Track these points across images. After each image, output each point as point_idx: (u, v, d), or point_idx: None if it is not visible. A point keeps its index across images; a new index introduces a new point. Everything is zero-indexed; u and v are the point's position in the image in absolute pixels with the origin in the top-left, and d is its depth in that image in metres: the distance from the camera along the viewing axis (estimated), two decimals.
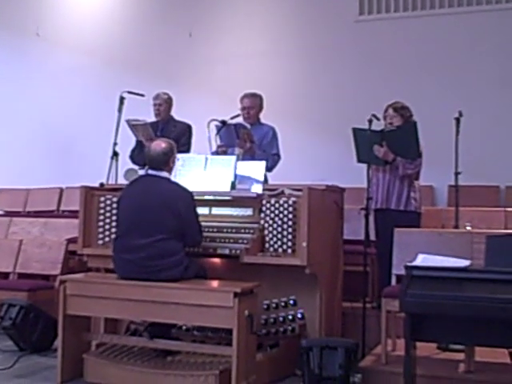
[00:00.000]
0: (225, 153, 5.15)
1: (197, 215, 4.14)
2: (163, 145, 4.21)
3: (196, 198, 4.26)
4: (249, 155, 5.10)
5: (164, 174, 4.16)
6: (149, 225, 3.97)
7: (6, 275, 5.86)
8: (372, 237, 4.92)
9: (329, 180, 4.66)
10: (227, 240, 4.29)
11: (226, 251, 4.23)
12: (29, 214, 7.83)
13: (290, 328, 4.30)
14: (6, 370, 4.40)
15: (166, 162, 4.17)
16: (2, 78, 9.20)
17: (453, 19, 7.23)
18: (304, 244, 4.04)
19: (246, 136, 5.15)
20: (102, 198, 4.58)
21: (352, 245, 5.13)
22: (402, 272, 3.49)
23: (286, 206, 4.14)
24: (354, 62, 7.50)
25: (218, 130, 5.26)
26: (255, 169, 4.49)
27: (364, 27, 7.60)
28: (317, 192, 4.26)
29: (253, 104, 5.44)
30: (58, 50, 8.89)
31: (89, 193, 4.61)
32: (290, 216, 4.12)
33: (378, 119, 4.88)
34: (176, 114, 5.93)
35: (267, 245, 4.18)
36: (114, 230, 4.40)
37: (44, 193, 8.20)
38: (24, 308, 4.91)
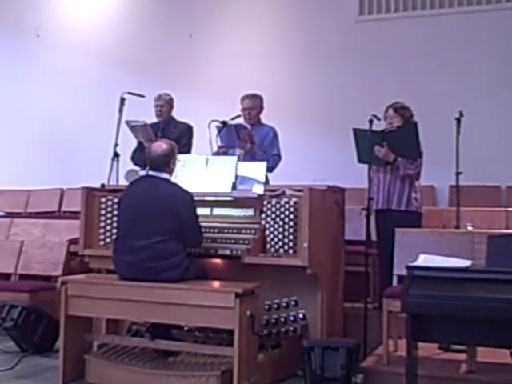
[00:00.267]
0: (225, 154, 5.15)
1: (197, 216, 4.15)
2: (164, 146, 4.21)
3: (197, 198, 4.26)
4: (249, 156, 5.10)
5: (164, 175, 4.16)
6: (149, 226, 3.97)
7: (7, 276, 5.86)
8: (373, 237, 4.92)
9: (329, 180, 4.66)
10: (228, 241, 4.29)
11: (227, 252, 4.23)
12: (30, 215, 7.84)
13: (291, 328, 4.30)
14: (8, 371, 4.41)
15: (166, 163, 4.17)
16: (2, 79, 9.20)
17: (453, 19, 7.23)
18: (305, 244, 4.04)
19: (247, 137, 5.16)
20: (103, 199, 4.58)
21: (353, 245, 5.14)
22: (404, 272, 3.49)
23: (287, 206, 4.14)
24: (354, 62, 7.50)
25: (219, 130, 5.27)
26: (256, 169, 4.50)
27: (364, 27, 7.61)
28: (318, 192, 4.26)
29: (253, 105, 5.44)
30: (58, 51, 8.89)
31: (90, 194, 4.61)
32: (291, 216, 4.12)
33: (378, 119, 4.88)
34: (176, 114, 5.93)
35: (268, 245, 4.18)
36: (115, 230, 4.39)
37: (45, 194, 8.21)
38: (25, 309, 4.91)
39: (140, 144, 5.66)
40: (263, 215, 4.24)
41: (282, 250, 4.13)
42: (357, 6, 7.68)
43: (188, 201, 4.09)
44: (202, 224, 4.28)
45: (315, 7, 7.77)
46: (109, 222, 4.54)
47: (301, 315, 4.30)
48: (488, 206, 6.04)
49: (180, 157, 4.63)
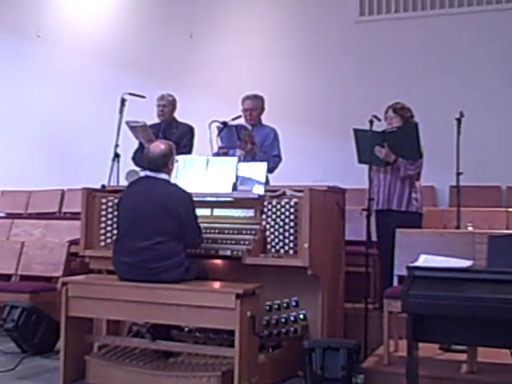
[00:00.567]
0: (226, 154, 5.15)
1: (196, 217, 4.14)
2: (162, 146, 4.21)
3: (197, 199, 4.27)
4: (250, 157, 5.10)
5: (163, 175, 4.15)
6: (149, 227, 3.96)
7: (8, 277, 5.86)
8: (374, 238, 4.92)
9: (330, 181, 4.66)
10: (229, 241, 4.29)
11: (228, 252, 4.23)
12: (30, 216, 7.84)
13: (292, 329, 4.30)
14: (9, 372, 4.41)
15: (165, 163, 4.16)
16: (2, 80, 9.21)
17: (453, 19, 7.24)
18: (306, 245, 4.04)
19: (247, 137, 5.16)
20: (104, 200, 4.58)
21: (354, 246, 5.14)
22: (404, 273, 3.49)
23: (287, 207, 4.14)
24: (354, 62, 7.51)
25: (219, 131, 5.26)
26: (256, 170, 4.50)
27: (364, 28, 7.61)
28: (318, 193, 4.26)
29: (255, 106, 5.44)
30: (58, 51, 8.90)
31: (90, 194, 4.61)
32: (292, 217, 4.11)
33: (379, 120, 4.88)
34: (177, 115, 5.93)
35: (269, 246, 4.18)
36: (115, 231, 4.39)
37: (46, 195, 8.22)
38: (26, 310, 4.91)
39: (141, 144, 5.66)
40: (264, 216, 4.24)
41: (282, 251, 4.13)
42: (357, 7, 7.68)
43: (187, 201, 4.09)
44: (203, 225, 4.28)
45: (315, 8, 7.77)
46: (109, 222, 4.54)
47: (301, 316, 4.30)
48: (488, 206, 6.05)
49: (180, 157, 4.64)
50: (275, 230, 4.17)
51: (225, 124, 5.24)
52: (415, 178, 5.00)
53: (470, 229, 4.61)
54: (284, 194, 4.22)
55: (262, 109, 5.51)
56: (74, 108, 8.65)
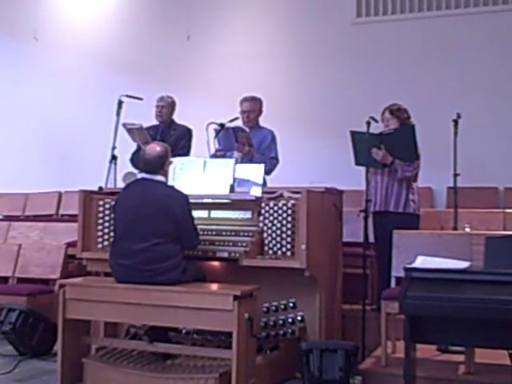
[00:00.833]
0: (223, 157, 5.15)
1: (193, 218, 4.14)
2: (158, 148, 4.20)
3: (195, 201, 4.27)
4: (247, 159, 5.10)
5: (159, 177, 4.15)
6: (145, 229, 3.96)
7: (5, 280, 5.86)
8: (371, 239, 4.92)
9: (327, 182, 4.66)
10: (226, 243, 4.29)
11: (225, 254, 4.23)
12: (28, 219, 7.83)
13: (289, 331, 4.30)
14: (6, 375, 4.40)
15: (161, 165, 4.16)
16: (0, 83, 9.19)
17: (450, 21, 7.25)
18: (303, 247, 4.04)
19: (245, 139, 5.16)
20: (101, 202, 4.58)
21: (351, 247, 5.13)
22: (402, 274, 3.50)
23: (284, 208, 4.14)
24: (352, 63, 7.52)
25: (217, 133, 5.26)
26: (254, 172, 4.50)
27: (362, 29, 7.62)
28: (316, 195, 4.26)
29: (252, 108, 5.44)
30: (55, 53, 8.90)
31: (88, 197, 4.61)
32: (289, 219, 4.12)
33: (376, 121, 4.88)
34: (175, 116, 5.93)
35: (266, 248, 4.18)
36: (112, 233, 4.39)
37: (43, 197, 8.21)
38: (23, 312, 4.91)
39: (139, 146, 5.66)
40: (261, 217, 4.24)
41: (280, 252, 4.13)
42: (354, 8, 7.69)
43: (184, 203, 4.09)
44: (200, 226, 4.28)
45: (313, 9, 7.78)
46: (107, 224, 4.54)
47: (299, 317, 4.30)
48: (486, 207, 6.05)
49: (178, 159, 4.64)
50: (272, 231, 4.17)
51: (222, 126, 5.23)
52: (412, 179, 5.00)
53: (468, 230, 4.60)
54: (281, 195, 4.23)
55: (260, 111, 5.51)
56: (71, 110, 8.65)
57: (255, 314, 3.86)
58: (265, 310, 4.33)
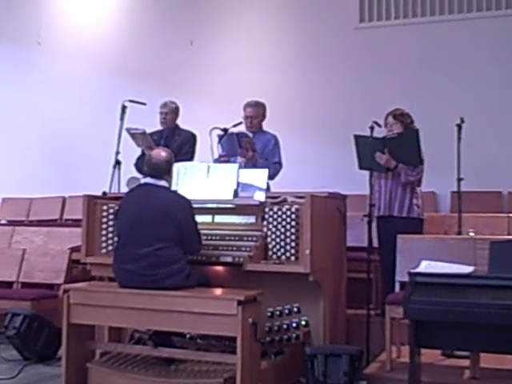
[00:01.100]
0: (227, 162, 5.15)
1: (196, 223, 4.15)
2: (164, 154, 4.24)
3: (199, 206, 4.27)
4: (251, 164, 5.10)
5: (162, 182, 4.16)
6: (149, 233, 3.96)
7: (9, 284, 5.86)
8: (375, 244, 4.92)
9: (331, 187, 4.66)
10: (230, 248, 4.28)
11: (229, 259, 4.23)
12: (32, 223, 7.85)
13: (294, 335, 4.29)
14: (11, 380, 4.40)
15: (167, 170, 4.19)
16: (4, 88, 9.23)
17: (453, 25, 7.25)
18: (307, 251, 4.04)
19: (248, 145, 5.16)
20: (105, 207, 4.59)
21: (355, 252, 5.13)
22: (406, 279, 3.50)
23: (288, 213, 4.14)
24: (354, 68, 7.52)
25: (220, 138, 5.27)
26: (258, 176, 4.50)
27: (364, 34, 7.63)
28: (319, 199, 4.26)
29: (256, 113, 5.45)
30: (59, 58, 8.92)
31: (91, 202, 4.62)
32: (293, 223, 4.11)
33: (379, 126, 4.88)
34: (178, 121, 5.94)
35: (270, 252, 4.18)
36: (117, 238, 4.40)
37: (47, 202, 8.22)
38: (28, 317, 4.91)
39: (144, 151, 5.67)
40: (265, 222, 4.24)
41: (283, 257, 4.13)
42: (357, 13, 7.70)
43: (186, 207, 4.10)
44: (204, 231, 4.28)
45: (316, 14, 7.79)
46: (110, 229, 4.54)
47: (303, 322, 4.29)
48: (490, 211, 6.04)
49: (181, 164, 4.64)
50: (276, 236, 4.16)
51: (225, 131, 5.24)
52: (416, 183, 5.00)
53: (472, 234, 4.60)
54: (285, 200, 4.23)
55: (263, 116, 5.52)
56: (75, 115, 8.67)
57: (259, 319, 3.86)
58: (269, 314, 4.33)
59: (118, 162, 5.64)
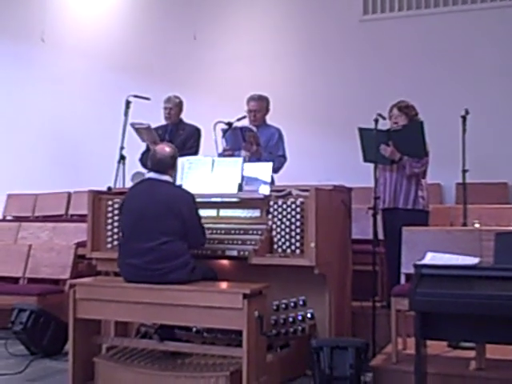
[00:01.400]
0: (231, 156, 5.15)
1: (199, 217, 4.15)
2: (168, 149, 4.25)
3: (203, 200, 4.27)
4: (255, 158, 5.10)
5: (166, 177, 4.16)
6: (153, 227, 3.97)
7: (15, 280, 5.89)
8: (380, 236, 4.92)
9: (336, 180, 4.66)
10: (235, 241, 4.29)
11: (235, 253, 4.23)
12: (37, 219, 7.87)
13: (299, 328, 4.30)
14: (18, 375, 4.43)
15: (172, 165, 4.20)
16: (8, 84, 9.24)
17: (457, 17, 7.22)
18: (312, 244, 4.04)
19: (253, 139, 5.16)
20: (110, 202, 4.60)
21: (360, 244, 5.13)
22: (411, 271, 3.49)
23: (293, 206, 4.14)
24: (359, 61, 7.50)
25: (224, 132, 5.27)
26: (262, 170, 4.50)
27: (368, 26, 7.60)
28: (324, 192, 4.26)
29: (259, 107, 5.44)
30: (63, 55, 8.93)
31: (96, 197, 4.63)
32: (298, 216, 4.12)
33: (383, 118, 4.87)
34: (182, 116, 5.94)
35: (275, 246, 4.19)
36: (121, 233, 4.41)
37: (52, 197, 8.25)
38: (34, 312, 4.94)
39: (149, 146, 5.67)
40: (270, 216, 4.24)
41: (289, 250, 4.13)
42: (361, 6, 7.67)
43: (190, 201, 4.10)
44: (209, 225, 4.29)
45: (319, 7, 7.77)
46: (116, 224, 4.55)
47: (309, 315, 4.30)
48: (495, 202, 6.02)
49: (186, 159, 4.65)
50: (281, 229, 4.17)
51: (229, 124, 5.23)
52: (421, 175, 4.99)
53: (477, 226, 4.58)
54: (290, 193, 4.23)
55: (267, 110, 5.51)
56: (79, 110, 8.68)
57: (265, 312, 3.87)
58: (275, 307, 4.34)
59: (122, 157, 5.64)
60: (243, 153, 5.16)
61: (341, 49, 7.61)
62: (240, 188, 4.42)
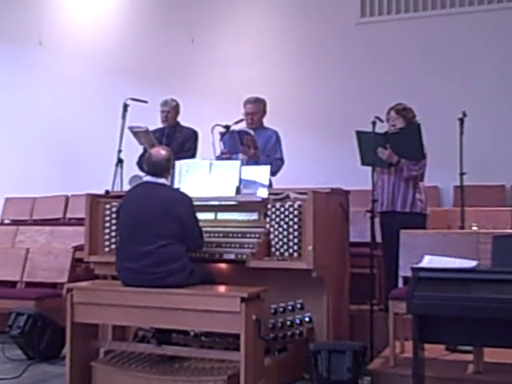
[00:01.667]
0: (229, 159, 5.14)
1: (197, 220, 4.15)
2: (163, 152, 4.25)
3: (201, 203, 4.27)
4: (253, 161, 5.10)
5: (162, 180, 4.17)
6: (151, 231, 3.96)
7: (13, 284, 5.87)
8: (378, 239, 4.92)
9: (333, 183, 4.65)
10: (233, 245, 4.29)
11: (232, 256, 4.23)
12: (35, 223, 7.87)
13: (297, 332, 4.29)
14: (16, 379, 4.41)
15: (167, 168, 4.20)
16: (6, 87, 9.24)
17: (455, 20, 7.23)
18: (310, 247, 4.04)
19: (250, 142, 5.15)
20: (108, 206, 4.59)
21: (358, 247, 5.12)
22: (409, 274, 3.49)
23: (291, 209, 4.14)
24: (356, 64, 7.51)
25: (222, 136, 5.26)
26: (260, 173, 4.50)
27: (366, 29, 7.61)
28: (322, 195, 4.26)
29: (256, 110, 5.43)
30: (61, 57, 8.93)
31: (94, 200, 4.63)
32: (296, 220, 4.12)
33: (381, 121, 4.88)
34: (180, 119, 5.94)
35: (273, 249, 4.18)
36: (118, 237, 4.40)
37: (50, 201, 8.24)
38: (32, 316, 4.92)
39: (146, 149, 5.67)
40: (267, 219, 4.24)
41: (286, 254, 4.13)
42: (358, 8, 7.68)
43: (188, 204, 4.10)
44: (207, 228, 4.29)
45: (316, 10, 7.77)
46: (113, 228, 4.54)
47: (307, 318, 4.30)
48: (493, 205, 6.02)
49: (184, 162, 4.65)
50: (279, 232, 4.17)
51: (227, 128, 5.23)
52: (419, 178, 4.99)
53: (475, 229, 4.59)
54: (287, 196, 4.23)
55: (264, 112, 5.51)
56: (77, 114, 8.67)
57: (263, 316, 3.86)
58: (272, 311, 4.33)
59: (120, 161, 5.64)
60: (241, 156, 5.16)
61: (338, 51, 7.62)
62: (238, 191, 4.42)
